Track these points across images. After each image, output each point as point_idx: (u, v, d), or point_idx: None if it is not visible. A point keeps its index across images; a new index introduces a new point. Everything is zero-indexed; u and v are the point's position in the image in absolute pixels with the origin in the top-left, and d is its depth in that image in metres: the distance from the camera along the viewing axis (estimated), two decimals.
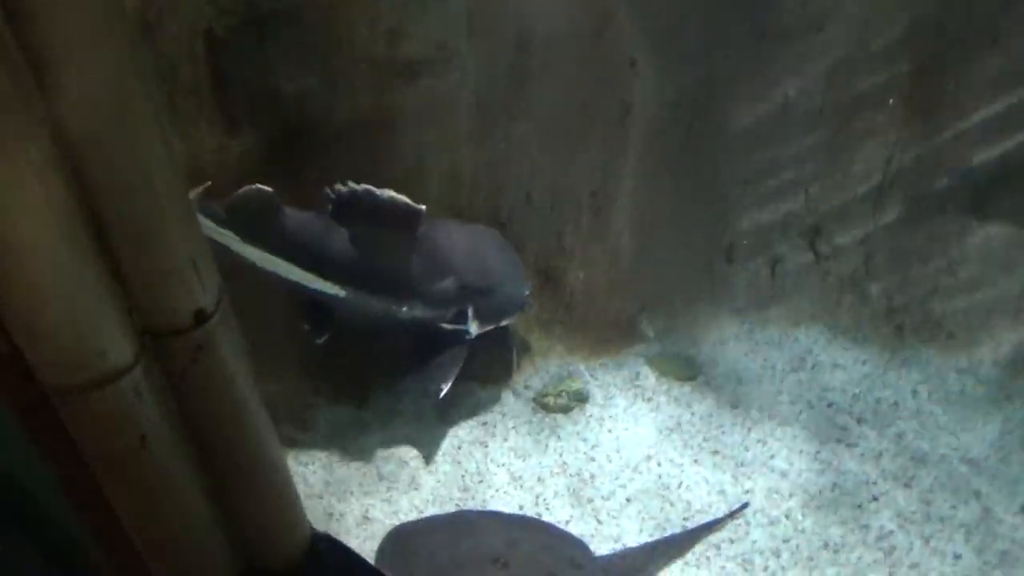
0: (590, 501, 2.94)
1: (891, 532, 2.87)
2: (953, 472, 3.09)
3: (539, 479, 3.01)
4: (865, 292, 3.71)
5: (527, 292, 3.22)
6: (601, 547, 2.78)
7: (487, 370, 3.34)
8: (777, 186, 3.62)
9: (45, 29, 1.02)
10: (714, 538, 2.83)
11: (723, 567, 2.73)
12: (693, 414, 3.30)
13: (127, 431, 1.56)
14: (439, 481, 3.01)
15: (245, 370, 1.82)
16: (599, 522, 2.87)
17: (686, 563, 2.75)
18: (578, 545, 2.74)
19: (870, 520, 2.90)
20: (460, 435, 3.18)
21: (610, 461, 3.09)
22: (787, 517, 2.91)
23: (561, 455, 3.11)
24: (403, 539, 2.78)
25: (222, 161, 2.52)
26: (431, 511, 2.91)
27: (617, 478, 3.03)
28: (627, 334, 3.52)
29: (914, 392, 3.43)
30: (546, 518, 2.87)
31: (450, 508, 2.91)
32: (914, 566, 2.75)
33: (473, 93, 2.91)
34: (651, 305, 3.60)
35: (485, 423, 3.22)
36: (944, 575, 2.72)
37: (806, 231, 3.68)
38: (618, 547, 2.78)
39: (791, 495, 2.98)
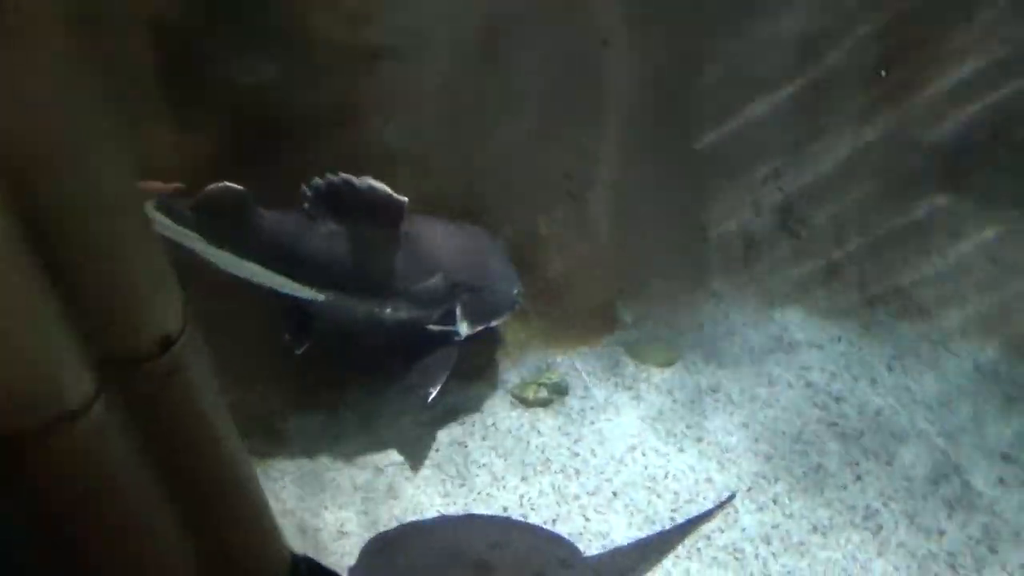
0: (576, 498, 2.86)
1: (877, 511, 2.86)
2: (932, 447, 3.10)
3: (522, 478, 2.92)
4: (838, 269, 3.69)
5: (518, 290, 3.10)
6: (590, 545, 2.71)
7: (462, 365, 3.21)
8: (749, 165, 3.56)
9: None
10: (704, 528, 2.78)
11: (715, 557, 2.69)
12: (675, 401, 3.24)
13: (91, 473, 1.40)
14: (418, 487, 2.88)
15: (215, 393, 1.67)
16: (586, 519, 2.80)
17: (677, 556, 2.70)
18: (566, 545, 2.66)
19: (856, 500, 2.89)
20: (438, 437, 3.06)
21: (594, 455, 3.01)
22: (775, 502, 2.88)
23: (543, 451, 3.02)
24: (380, 550, 2.65)
25: (176, 161, 2.33)
26: (411, 520, 2.79)
27: (602, 472, 2.95)
28: (605, 321, 3.44)
29: (889, 367, 3.44)
30: (532, 519, 2.78)
31: (432, 515, 2.79)
32: (901, 544, 2.75)
33: (440, 77, 2.76)
34: (628, 290, 3.53)
35: (463, 422, 3.11)
36: (931, 552, 2.73)
37: (778, 210, 3.65)
38: (607, 544, 2.72)
39: (777, 479, 2.96)
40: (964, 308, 3.60)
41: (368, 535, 2.69)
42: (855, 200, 3.63)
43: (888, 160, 3.59)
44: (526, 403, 3.17)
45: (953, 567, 2.69)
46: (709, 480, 2.94)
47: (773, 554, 2.72)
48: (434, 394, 2.79)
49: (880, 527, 2.81)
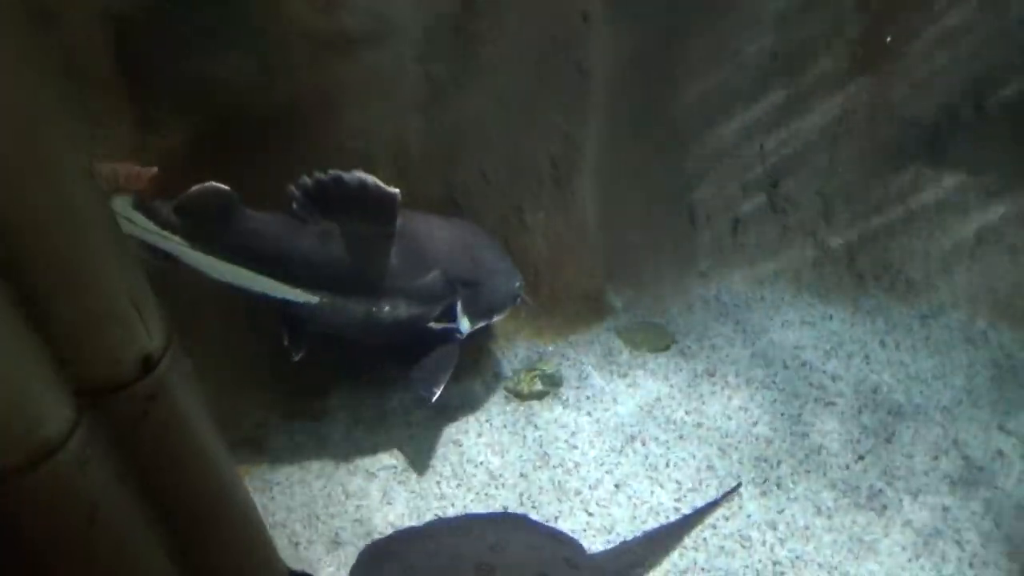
0: (577, 493, 2.78)
1: (880, 491, 2.83)
2: (930, 422, 3.08)
3: (521, 475, 2.83)
4: (825, 245, 3.65)
5: (519, 283, 2.99)
6: (594, 540, 2.63)
7: None
8: (734, 142, 3.49)
9: None
10: (709, 517, 2.72)
11: (721, 547, 2.63)
12: (672, 387, 3.17)
13: (73, 508, 1.29)
14: (413, 491, 2.77)
15: (202, 412, 1.56)
16: (589, 514, 2.72)
17: (683, 547, 2.63)
18: (570, 543, 2.58)
19: (859, 481, 2.86)
20: (430, 436, 2.95)
21: (593, 447, 2.93)
22: (778, 486, 2.83)
23: (541, 446, 2.93)
24: (376, 559, 2.55)
25: (144, 163, 2.18)
26: (408, 526, 2.68)
27: (602, 464, 2.88)
28: (596, 308, 3.35)
29: (882, 343, 3.41)
30: (533, 516, 2.70)
31: (428, 519, 2.69)
32: (907, 523, 2.72)
33: (418, 63, 2.62)
34: (617, 276, 3.44)
35: (456, 420, 3.00)
36: (937, 530, 2.70)
37: (764, 187, 3.58)
38: (612, 538, 2.65)
39: (779, 462, 2.91)
40: (952, 280, 3.58)
41: (363, 544, 2.59)
42: (841, 176, 3.58)
43: (873, 135, 3.54)
44: (520, 396, 3.08)
45: (959, 543, 2.66)
46: (711, 467, 2.88)
47: (780, 539, 2.67)
48: (437, 394, 2.69)
49: (884, 507, 2.78)
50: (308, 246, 2.54)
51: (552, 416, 3.05)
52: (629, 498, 2.78)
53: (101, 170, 2.19)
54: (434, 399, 2.69)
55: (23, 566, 1.26)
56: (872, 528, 2.72)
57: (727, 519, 2.73)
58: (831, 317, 3.52)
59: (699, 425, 3.03)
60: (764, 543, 2.67)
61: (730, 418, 3.07)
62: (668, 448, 2.95)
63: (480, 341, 3.17)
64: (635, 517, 2.72)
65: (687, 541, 2.66)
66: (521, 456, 2.90)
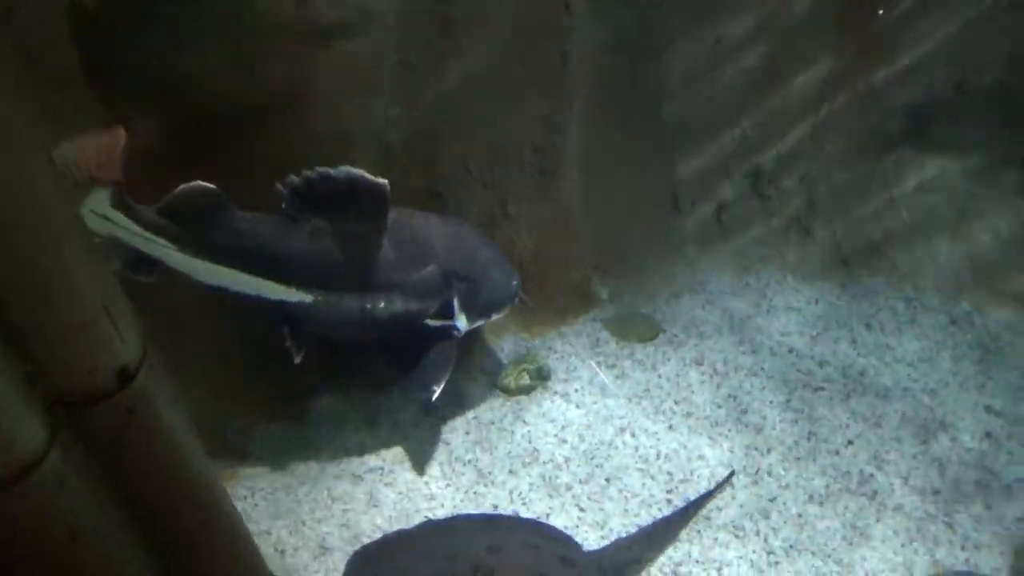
0: (568, 488, 2.74)
1: (871, 476, 2.83)
2: (918, 405, 3.08)
3: (511, 472, 2.78)
4: (810, 230, 3.64)
5: (517, 281, 2.93)
6: (588, 536, 2.60)
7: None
8: (716, 129, 3.45)
9: None
10: (702, 509, 2.71)
11: (715, 538, 2.61)
12: (660, 376, 3.14)
13: (53, 527, 1.25)
14: (400, 492, 2.72)
15: (182, 422, 1.49)
16: (581, 510, 2.68)
17: (678, 540, 2.61)
18: (566, 541, 2.54)
19: (849, 466, 2.85)
20: (418, 436, 2.89)
21: (583, 440, 2.90)
22: (769, 474, 2.82)
23: (530, 442, 2.89)
24: (365, 565, 2.49)
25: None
26: (397, 529, 2.61)
27: (593, 458, 2.84)
28: (582, 299, 3.31)
29: (868, 327, 3.41)
30: (524, 514, 2.66)
31: (418, 521, 2.62)
32: (898, 508, 2.72)
33: (396, 53, 2.55)
34: (602, 265, 3.40)
35: (443, 418, 2.94)
36: (928, 513, 2.70)
37: (748, 173, 3.56)
38: (605, 534, 2.61)
39: (770, 450, 2.89)
40: (936, 261, 3.59)
41: (351, 549, 2.52)
42: (823, 159, 3.57)
43: (856, 118, 3.53)
44: (508, 392, 3.04)
45: (951, 526, 2.67)
46: (702, 457, 2.86)
47: (773, 528, 2.65)
48: (437, 393, 2.63)
49: (875, 492, 2.77)
50: (300, 244, 2.47)
51: (541, 411, 3.00)
52: (620, 492, 2.74)
53: (65, 153, 2.08)
54: (434, 398, 2.63)
55: None
56: (864, 513, 2.72)
57: (720, 509, 2.71)
58: (817, 302, 3.51)
59: (688, 415, 3.01)
60: (758, 533, 2.65)
61: (720, 407, 3.04)
62: (658, 439, 2.92)
63: (465, 336, 3.12)
64: (627, 511, 2.69)
65: (681, 534, 2.64)
66: (510, 453, 2.86)
